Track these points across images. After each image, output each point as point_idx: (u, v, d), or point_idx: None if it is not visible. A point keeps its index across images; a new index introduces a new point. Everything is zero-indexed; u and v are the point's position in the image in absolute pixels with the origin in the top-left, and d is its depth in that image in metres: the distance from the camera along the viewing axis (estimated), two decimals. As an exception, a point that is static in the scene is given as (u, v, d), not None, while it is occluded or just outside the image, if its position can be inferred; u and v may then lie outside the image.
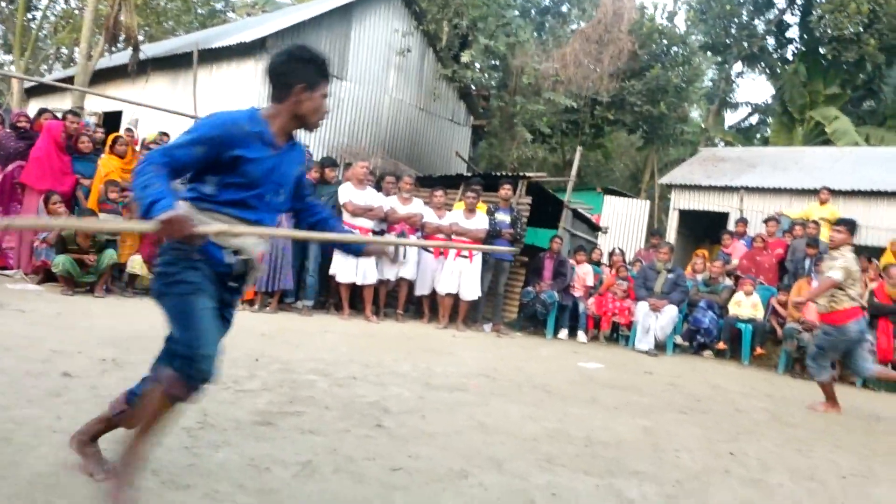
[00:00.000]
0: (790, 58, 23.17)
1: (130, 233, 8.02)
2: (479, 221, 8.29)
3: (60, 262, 6.79)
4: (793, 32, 22.87)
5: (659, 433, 4.18)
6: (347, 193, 7.90)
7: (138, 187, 2.09)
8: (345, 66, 12.48)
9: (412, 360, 5.63)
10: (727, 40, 22.34)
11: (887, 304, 7.58)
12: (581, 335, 8.62)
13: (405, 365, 5.38)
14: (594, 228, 12.29)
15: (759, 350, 8.27)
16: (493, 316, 8.66)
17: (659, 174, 19.25)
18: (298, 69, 2.31)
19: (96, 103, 13.10)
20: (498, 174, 10.67)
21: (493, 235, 8.30)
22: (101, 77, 13.50)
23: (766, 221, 10.52)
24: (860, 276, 5.88)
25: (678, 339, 8.66)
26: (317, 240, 3.21)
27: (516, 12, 17.89)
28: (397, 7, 13.44)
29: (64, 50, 25.68)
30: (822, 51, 20.47)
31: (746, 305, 8.48)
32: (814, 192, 11.45)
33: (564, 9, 23.20)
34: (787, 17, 22.89)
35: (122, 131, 10.03)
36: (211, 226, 2.20)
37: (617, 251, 9.77)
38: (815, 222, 9.57)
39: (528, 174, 10.08)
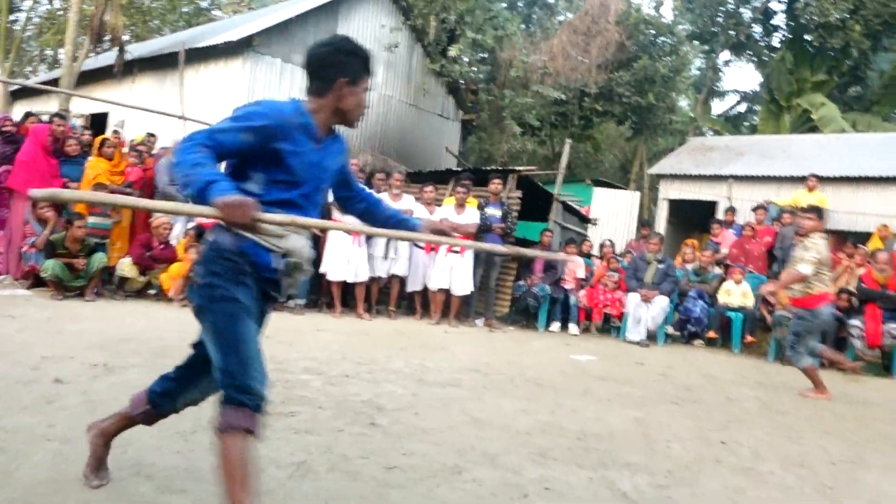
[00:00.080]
0: (777, 45, 23.27)
1: (125, 235, 8.04)
2: (470, 216, 8.31)
3: (49, 267, 6.76)
4: (779, 20, 22.97)
5: (651, 424, 4.23)
6: (337, 191, 7.87)
7: (187, 164, 1.93)
8: (332, 62, 12.42)
9: (405, 357, 5.65)
10: (714, 29, 22.41)
11: (875, 290, 7.64)
12: (573, 327, 8.66)
13: (398, 362, 5.41)
14: (584, 220, 12.31)
15: (749, 338, 8.33)
16: (484, 310, 8.70)
17: (648, 164, 19.29)
18: (342, 62, 2.20)
19: (83, 105, 13.01)
20: (488, 168, 10.67)
21: (483, 230, 8.32)
22: (87, 78, 13.40)
23: (754, 210, 10.60)
24: (830, 261, 5.99)
25: (669, 329, 8.70)
26: (380, 235, 3.11)
27: (503, 5, 17.86)
28: (384, 2, 13.40)
29: (49, 52, 25.45)
30: (808, 38, 20.57)
31: (736, 294, 8.54)
32: (801, 180, 11.53)
33: (551, 0, 23.18)
34: (773, 5, 22.99)
35: (109, 133, 9.97)
36: (274, 215, 2.03)
37: (607, 243, 9.82)
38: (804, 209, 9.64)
39: (517, 168, 10.09)
